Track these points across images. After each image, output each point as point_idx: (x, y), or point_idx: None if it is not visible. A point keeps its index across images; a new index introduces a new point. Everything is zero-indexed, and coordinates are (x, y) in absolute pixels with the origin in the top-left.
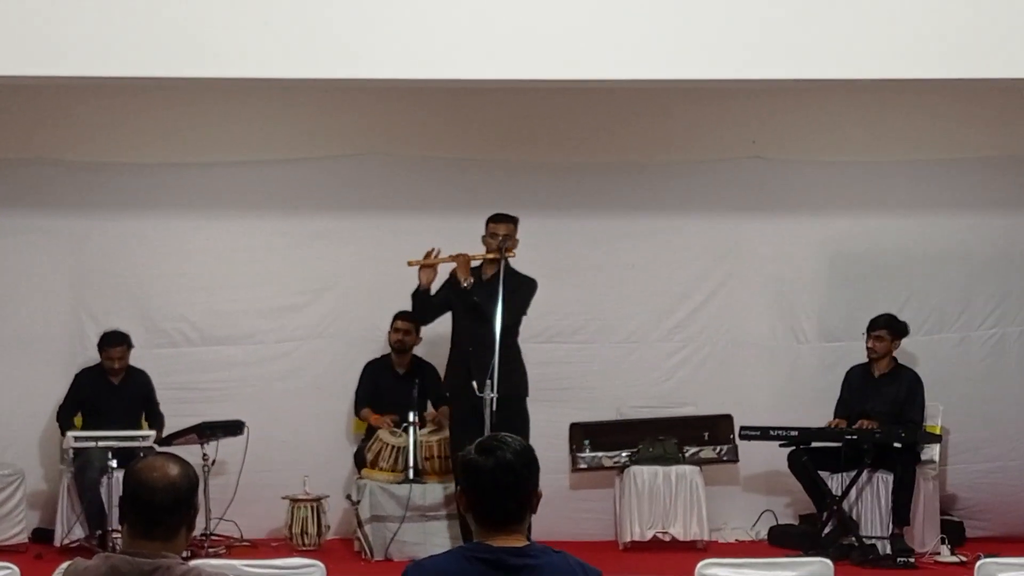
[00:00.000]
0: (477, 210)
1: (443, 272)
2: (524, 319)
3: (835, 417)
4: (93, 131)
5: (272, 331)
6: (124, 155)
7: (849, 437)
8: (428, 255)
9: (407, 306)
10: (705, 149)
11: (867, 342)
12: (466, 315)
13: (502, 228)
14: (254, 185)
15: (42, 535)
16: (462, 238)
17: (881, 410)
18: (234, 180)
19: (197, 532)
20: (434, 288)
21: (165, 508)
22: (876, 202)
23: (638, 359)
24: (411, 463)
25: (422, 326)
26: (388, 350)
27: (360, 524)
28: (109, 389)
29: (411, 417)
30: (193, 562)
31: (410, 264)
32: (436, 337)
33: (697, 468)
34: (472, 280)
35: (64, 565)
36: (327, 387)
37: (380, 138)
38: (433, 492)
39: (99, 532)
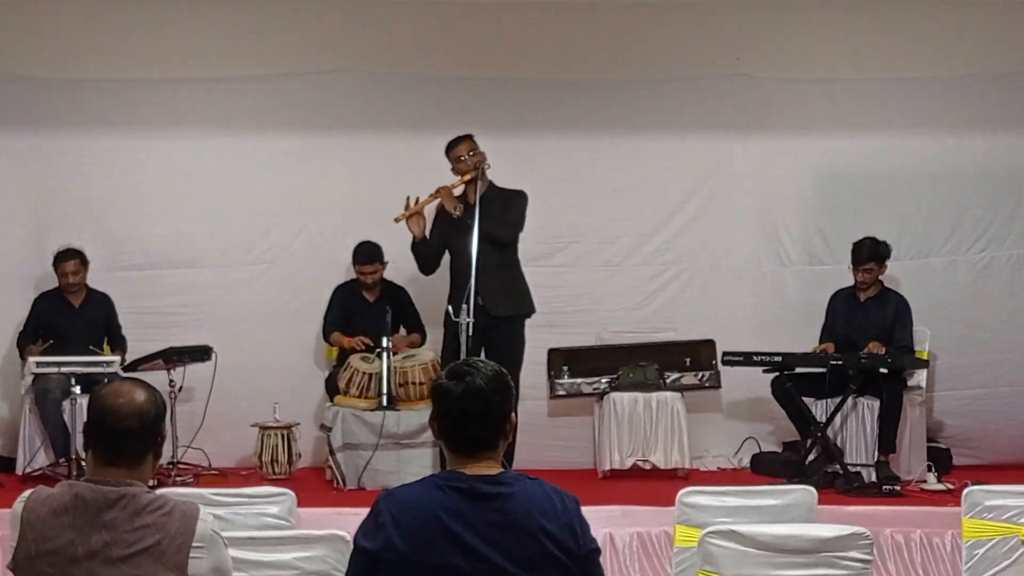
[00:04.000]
0: (454, 129)
1: (428, 214)
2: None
3: (820, 342)
4: (57, 45)
5: (240, 254)
6: (89, 71)
7: (834, 363)
8: (407, 205)
9: (380, 232)
10: (688, 66)
11: (855, 275)
12: (457, 243)
13: (463, 148)
14: (223, 102)
15: (3, 464)
16: (438, 158)
17: (868, 335)
18: (203, 97)
19: (164, 460)
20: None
21: (131, 435)
22: (863, 122)
23: (618, 283)
24: (384, 390)
25: (427, 275)
26: None
27: (332, 452)
28: (69, 312)
29: (384, 343)
30: (160, 490)
31: (397, 220)
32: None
33: (678, 395)
34: (461, 207)
35: (26, 493)
36: (297, 312)
37: (355, 54)
38: (408, 419)
39: (63, 459)
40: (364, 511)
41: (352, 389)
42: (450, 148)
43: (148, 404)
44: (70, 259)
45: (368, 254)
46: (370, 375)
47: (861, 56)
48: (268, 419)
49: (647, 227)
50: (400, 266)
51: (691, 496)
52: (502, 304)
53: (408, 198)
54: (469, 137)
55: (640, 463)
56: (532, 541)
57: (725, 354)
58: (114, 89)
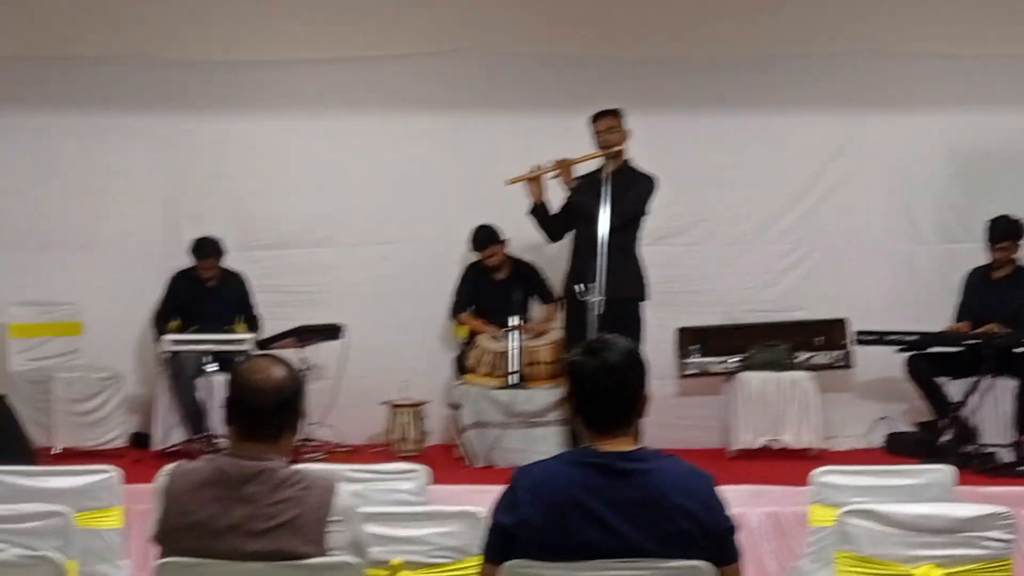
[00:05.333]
0: (577, 109)
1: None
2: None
3: (956, 321)
4: (193, 28)
5: (369, 233)
6: (219, 53)
7: (971, 342)
8: (531, 171)
9: (507, 211)
10: (819, 43)
11: (992, 253)
12: (578, 218)
13: (601, 124)
14: (353, 83)
15: (140, 440)
16: (561, 138)
17: (1002, 314)
18: (334, 78)
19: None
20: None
21: (270, 410)
22: (998, 98)
23: (749, 261)
24: (513, 368)
25: (553, 243)
26: None
27: (461, 430)
28: (204, 292)
29: (513, 322)
30: (297, 466)
31: (509, 183)
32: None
33: (810, 374)
34: (576, 182)
35: (169, 467)
36: (425, 290)
37: (476, 33)
38: (536, 398)
39: (198, 436)
40: (494, 488)
41: (481, 368)
42: (592, 120)
43: (286, 380)
44: (207, 257)
45: (482, 240)
46: (499, 354)
47: (995, 31)
48: (398, 397)
49: (777, 205)
50: (525, 240)
51: (826, 475)
52: (616, 285)
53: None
54: (613, 113)
55: (771, 443)
56: (668, 518)
57: (859, 333)
58: (248, 70)
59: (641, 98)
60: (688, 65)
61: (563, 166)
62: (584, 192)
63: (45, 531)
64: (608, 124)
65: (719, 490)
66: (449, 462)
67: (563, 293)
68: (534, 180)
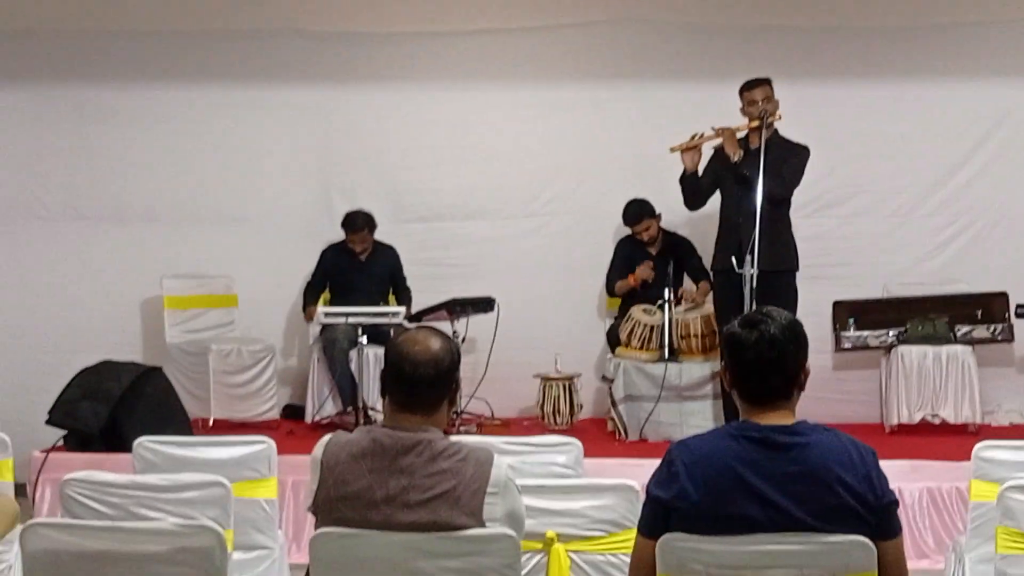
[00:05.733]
0: (734, 78)
1: (706, 151)
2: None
3: None
4: (340, 0)
5: (521, 205)
6: (370, 25)
7: None
8: (692, 138)
9: (659, 183)
10: (980, 10)
11: None
12: (734, 190)
13: (758, 93)
14: (504, 54)
15: (293, 412)
16: (718, 108)
17: None
18: (482, 49)
19: None
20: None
21: (427, 382)
22: None
23: (906, 234)
24: (666, 342)
25: (692, 211)
26: None
27: (614, 403)
28: (355, 265)
29: (666, 295)
30: (453, 437)
31: (672, 150)
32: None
33: (969, 348)
34: (741, 153)
35: (326, 438)
36: (577, 263)
37: (626, 4)
38: (690, 371)
39: (351, 408)
40: (647, 462)
41: (634, 341)
42: (746, 88)
43: (443, 352)
44: (358, 231)
45: (635, 214)
46: (652, 327)
47: None
48: (550, 370)
49: (936, 176)
50: (675, 216)
51: (988, 450)
52: (769, 258)
53: (695, 133)
54: (767, 82)
55: (929, 418)
56: (829, 492)
57: (1019, 306)
58: (399, 42)
59: (799, 67)
60: (844, 34)
61: (727, 135)
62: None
63: (204, 501)
64: (765, 93)
65: (881, 464)
66: (601, 436)
67: (713, 266)
68: (694, 149)
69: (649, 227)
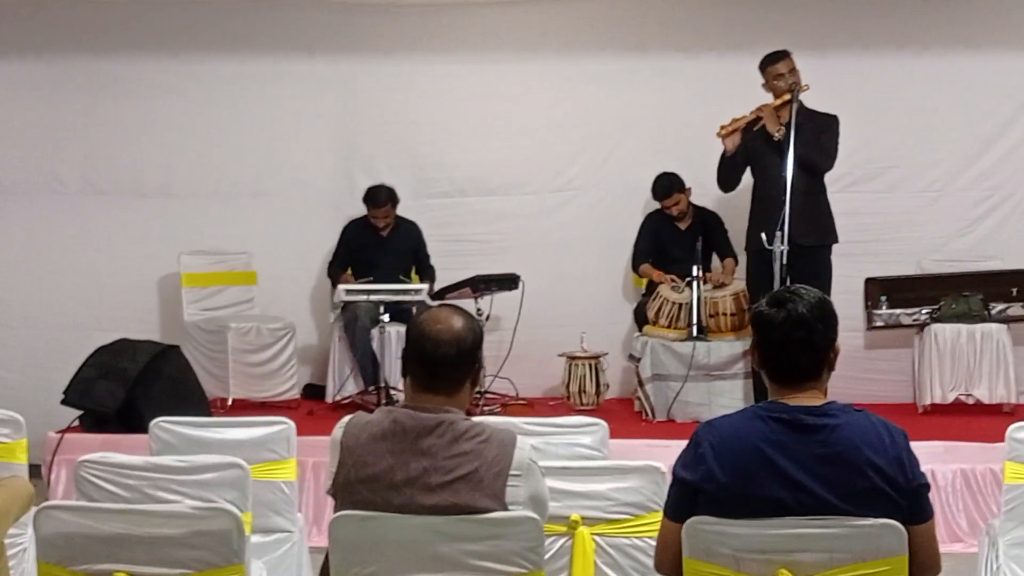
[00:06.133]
0: (764, 49)
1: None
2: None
3: None
4: None
5: (546, 180)
6: None
7: None
8: (734, 121)
9: (688, 156)
10: None
11: None
12: (769, 166)
13: (782, 66)
14: (529, 25)
15: (313, 391)
16: (749, 80)
17: None
18: (507, 20)
19: None
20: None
21: (449, 361)
22: None
23: (940, 209)
24: (694, 320)
25: (726, 192)
26: None
27: (641, 383)
28: (377, 241)
29: (694, 272)
30: (475, 418)
31: (720, 135)
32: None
33: (1004, 326)
34: (783, 129)
35: (346, 419)
36: (604, 240)
37: None
38: (719, 350)
39: (372, 387)
40: (675, 443)
41: (661, 319)
42: (767, 64)
43: (466, 331)
44: (380, 205)
45: (664, 188)
46: (680, 305)
47: None
48: (575, 349)
49: (970, 150)
50: (710, 190)
51: (1023, 431)
52: (807, 233)
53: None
54: (787, 55)
55: (963, 397)
56: (859, 475)
57: None
58: (422, 12)
59: (825, 39)
60: (876, 4)
61: (767, 112)
62: (777, 141)
63: (222, 483)
64: (788, 66)
65: (912, 446)
66: (628, 416)
67: (748, 245)
68: (738, 131)
69: (679, 201)
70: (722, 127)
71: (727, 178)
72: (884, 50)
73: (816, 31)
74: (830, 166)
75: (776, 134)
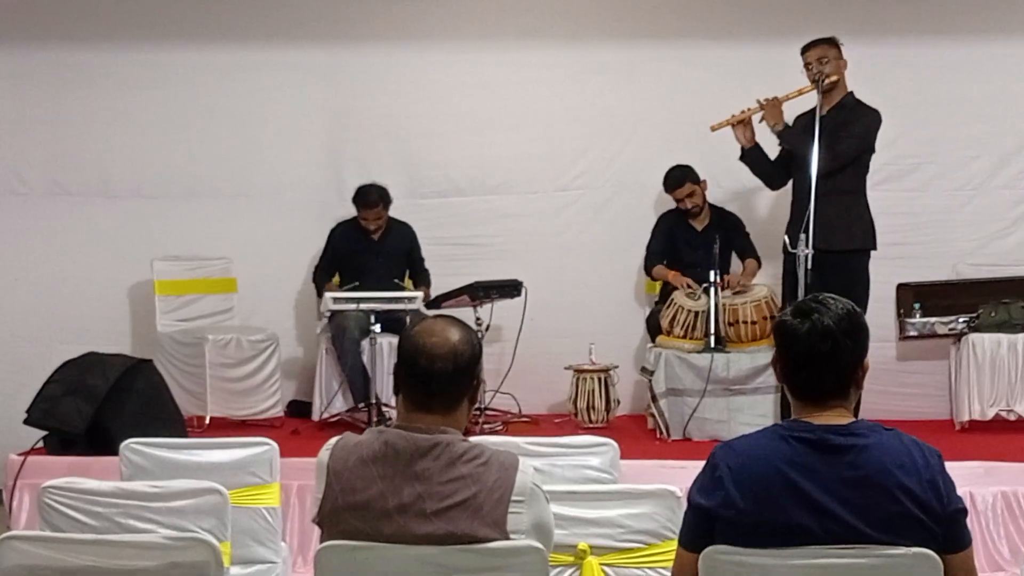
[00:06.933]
0: (791, 38)
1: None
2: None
3: None
4: None
5: (552, 178)
6: None
7: None
8: (733, 116)
9: (703, 150)
10: None
11: None
12: (802, 162)
13: (812, 55)
14: (531, 10)
15: (298, 408)
16: (772, 70)
17: None
18: (509, 4)
19: None
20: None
21: (445, 377)
22: None
23: (977, 209)
24: (712, 329)
25: (772, 191)
26: None
27: (654, 398)
28: (368, 245)
29: (712, 277)
30: (474, 439)
31: (713, 129)
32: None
33: None
34: (783, 124)
35: (332, 441)
36: (614, 242)
37: None
38: (739, 363)
39: (363, 404)
40: (690, 464)
41: (676, 328)
42: (803, 50)
43: (463, 344)
44: (372, 206)
45: (677, 179)
46: (696, 313)
47: None
48: (583, 361)
49: (1011, 145)
50: (723, 186)
51: None
52: (834, 235)
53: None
54: (824, 42)
55: (1004, 413)
56: (890, 499)
57: None
58: None
59: (859, 25)
60: None
61: (769, 106)
62: (794, 132)
63: (199, 510)
64: (819, 54)
65: (947, 467)
66: (640, 434)
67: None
68: (741, 123)
69: (692, 192)
70: (718, 123)
71: (761, 174)
72: (917, 37)
73: (845, 17)
74: (834, 165)
75: (774, 127)
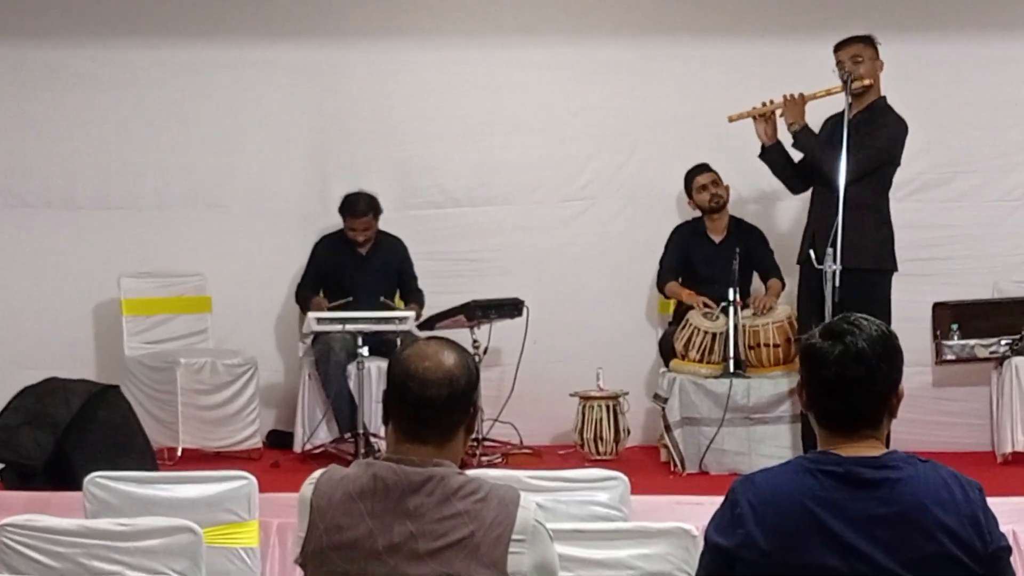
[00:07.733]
0: (814, 35)
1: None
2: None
3: None
4: None
5: (555, 188)
6: None
7: None
8: (754, 108)
9: (721, 154)
10: None
11: None
12: (811, 169)
13: (843, 53)
14: (534, 4)
15: (279, 439)
16: (798, 67)
17: None
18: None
19: None
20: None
21: (439, 405)
22: None
23: (1020, 221)
24: (731, 353)
25: (794, 195)
26: (699, 212)
27: (668, 428)
28: (355, 260)
29: (731, 295)
30: (471, 472)
31: (731, 120)
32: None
33: None
34: (802, 124)
35: (316, 475)
36: (624, 257)
37: None
38: (760, 389)
39: (349, 434)
40: (708, 500)
41: (692, 352)
42: (836, 48)
43: (459, 369)
44: (360, 216)
45: (690, 172)
46: (714, 335)
47: None
48: (590, 387)
49: None
50: (742, 195)
51: None
52: (850, 252)
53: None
54: (860, 40)
55: None
56: (926, 538)
57: None
58: None
59: (888, 20)
60: None
61: (791, 102)
62: (811, 135)
63: (169, 550)
64: (852, 53)
65: (990, 502)
66: (654, 467)
67: (798, 259)
68: (762, 117)
69: (716, 180)
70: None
71: (782, 176)
72: (956, 33)
73: (877, 11)
74: (849, 177)
75: (791, 126)
